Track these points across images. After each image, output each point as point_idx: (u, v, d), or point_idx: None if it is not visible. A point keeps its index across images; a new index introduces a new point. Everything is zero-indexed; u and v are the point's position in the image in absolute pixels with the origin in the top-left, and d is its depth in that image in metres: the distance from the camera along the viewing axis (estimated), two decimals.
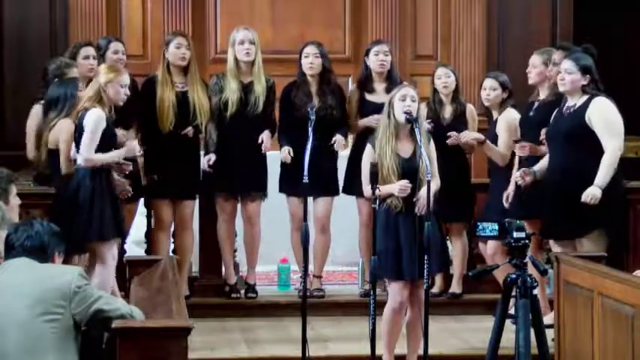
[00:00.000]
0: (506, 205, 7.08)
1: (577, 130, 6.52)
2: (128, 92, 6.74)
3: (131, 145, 6.83)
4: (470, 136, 7.46)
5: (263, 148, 7.57)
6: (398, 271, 6.13)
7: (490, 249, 7.37)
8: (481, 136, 7.42)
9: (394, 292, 6.20)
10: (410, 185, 6.09)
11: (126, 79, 6.69)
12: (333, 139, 7.56)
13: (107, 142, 6.58)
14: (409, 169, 6.13)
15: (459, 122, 7.69)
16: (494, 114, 7.57)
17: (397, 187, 6.09)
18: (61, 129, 6.73)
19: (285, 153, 7.54)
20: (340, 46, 9.84)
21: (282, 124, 7.73)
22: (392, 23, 9.80)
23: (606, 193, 6.43)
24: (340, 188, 7.79)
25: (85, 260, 6.66)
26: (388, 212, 6.15)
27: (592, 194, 6.41)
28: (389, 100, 6.27)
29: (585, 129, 6.50)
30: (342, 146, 7.69)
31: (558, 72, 6.73)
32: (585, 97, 6.56)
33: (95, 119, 6.47)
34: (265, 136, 7.58)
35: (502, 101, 7.50)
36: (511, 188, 7.16)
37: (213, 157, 7.59)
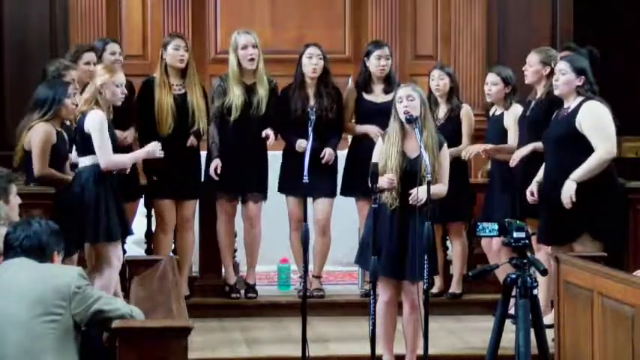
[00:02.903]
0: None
1: (567, 134, 6.49)
2: (125, 91, 6.75)
3: (153, 147, 6.82)
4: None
5: (269, 142, 7.56)
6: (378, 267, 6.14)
7: (496, 244, 7.32)
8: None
9: (380, 287, 6.21)
10: (394, 179, 6.09)
11: (121, 77, 6.71)
12: (322, 152, 7.55)
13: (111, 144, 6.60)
14: (412, 169, 6.14)
15: (453, 123, 7.71)
16: (498, 109, 7.56)
17: (385, 179, 6.10)
18: (37, 132, 6.69)
19: (302, 143, 7.42)
20: (340, 46, 9.83)
21: (279, 124, 7.71)
22: (392, 23, 9.80)
23: (592, 197, 6.42)
24: (338, 190, 7.80)
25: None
26: (381, 209, 6.16)
27: (566, 188, 6.40)
28: (393, 103, 6.30)
29: (575, 133, 6.47)
30: (330, 159, 7.64)
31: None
32: (578, 100, 6.52)
33: (99, 121, 6.48)
34: (270, 131, 7.56)
35: (505, 96, 7.50)
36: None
37: (219, 164, 7.57)
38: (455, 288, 7.83)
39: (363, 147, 7.34)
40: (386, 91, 7.64)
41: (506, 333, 5.49)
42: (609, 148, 6.44)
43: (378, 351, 6.14)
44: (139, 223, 8.05)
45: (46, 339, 4.38)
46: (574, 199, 6.39)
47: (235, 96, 7.57)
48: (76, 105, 6.76)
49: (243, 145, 7.59)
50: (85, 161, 6.59)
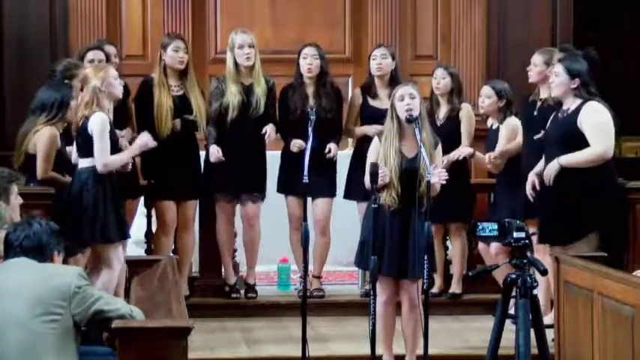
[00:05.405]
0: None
1: (570, 135, 6.50)
2: (122, 82, 6.76)
3: (144, 138, 6.83)
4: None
5: (267, 138, 7.56)
6: (379, 267, 6.12)
7: (494, 248, 7.33)
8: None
9: (379, 286, 6.20)
10: (387, 173, 6.08)
11: (114, 71, 6.73)
12: (327, 149, 7.58)
13: (111, 144, 6.59)
14: (411, 169, 6.13)
15: (452, 123, 7.71)
16: (493, 122, 7.55)
17: (379, 174, 6.08)
18: (43, 135, 6.68)
19: (300, 143, 7.47)
20: (340, 46, 9.83)
21: (280, 125, 7.72)
22: (392, 23, 9.80)
23: (599, 195, 6.44)
24: (343, 193, 7.79)
25: (84, 260, 6.67)
26: (380, 209, 6.15)
27: (551, 166, 6.46)
28: (391, 103, 6.28)
29: (577, 134, 6.48)
30: (335, 154, 7.69)
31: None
32: (578, 102, 6.54)
33: (101, 124, 6.48)
34: (269, 127, 7.58)
35: (499, 109, 7.49)
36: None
37: (217, 147, 7.53)
38: (455, 288, 7.83)
39: (367, 150, 7.34)
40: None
41: (507, 333, 5.49)
42: (606, 149, 6.45)
43: (378, 351, 6.14)
44: (139, 223, 8.06)
45: (46, 339, 4.38)
46: (551, 181, 6.47)
47: (232, 95, 7.57)
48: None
49: (241, 145, 7.59)
50: (85, 162, 6.59)
